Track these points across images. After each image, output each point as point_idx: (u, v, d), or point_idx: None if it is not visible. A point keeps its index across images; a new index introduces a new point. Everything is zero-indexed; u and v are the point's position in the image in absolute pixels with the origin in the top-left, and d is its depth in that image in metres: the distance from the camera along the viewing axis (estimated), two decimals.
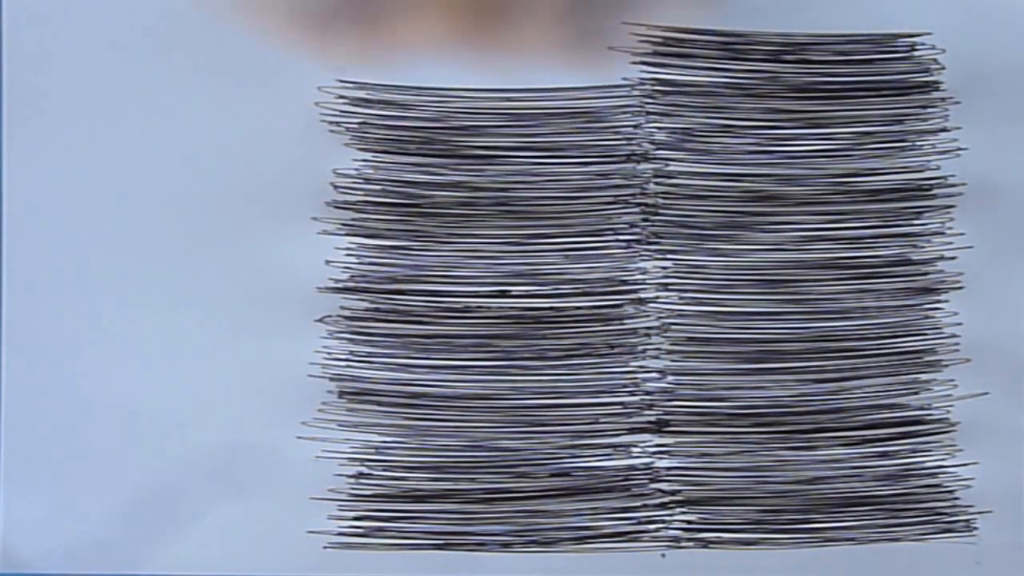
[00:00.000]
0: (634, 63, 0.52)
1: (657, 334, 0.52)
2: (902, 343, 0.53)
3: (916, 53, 0.54)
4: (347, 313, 0.52)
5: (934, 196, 0.53)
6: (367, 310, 0.52)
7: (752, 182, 0.53)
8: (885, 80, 0.54)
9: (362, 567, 0.51)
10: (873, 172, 0.53)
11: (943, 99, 0.53)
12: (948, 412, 0.52)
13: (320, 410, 0.52)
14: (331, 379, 0.52)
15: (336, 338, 0.52)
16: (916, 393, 0.52)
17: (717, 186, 0.53)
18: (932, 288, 0.53)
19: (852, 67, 0.54)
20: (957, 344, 0.52)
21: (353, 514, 0.52)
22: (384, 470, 0.52)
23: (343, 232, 0.52)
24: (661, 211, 0.53)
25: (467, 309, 0.52)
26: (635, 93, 0.53)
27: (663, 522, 0.52)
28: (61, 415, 0.52)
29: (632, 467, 0.52)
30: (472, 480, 0.52)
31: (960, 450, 0.52)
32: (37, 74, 0.52)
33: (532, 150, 0.53)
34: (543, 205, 0.53)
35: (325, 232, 0.52)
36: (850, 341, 0.53)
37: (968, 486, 0.52)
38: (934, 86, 0.53)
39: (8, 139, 0.52)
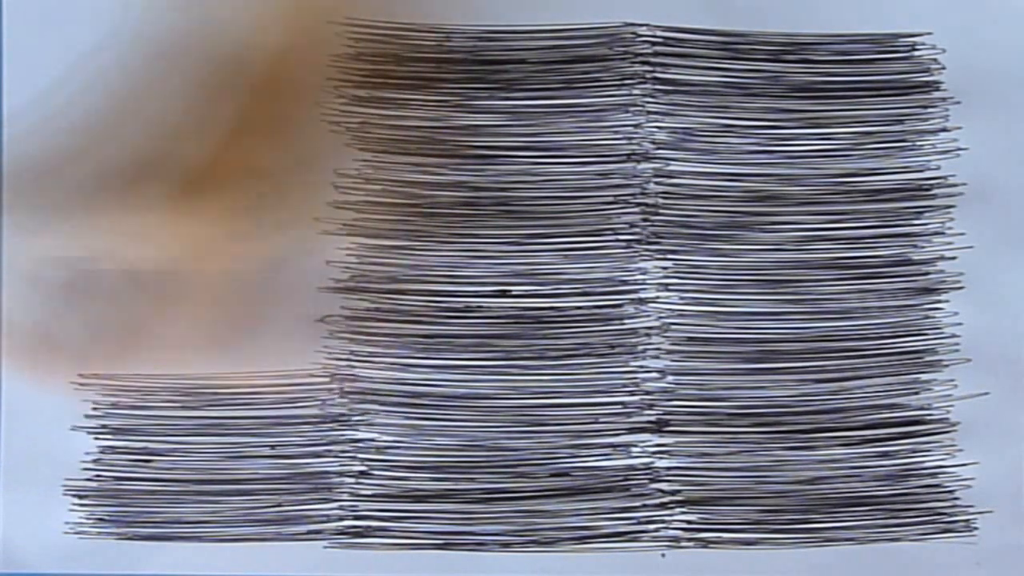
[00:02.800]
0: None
1: (657, 334, 0.52)
2: (902, 343, 0.53)
3: (916, 53, 0.54)
4: (348, 313, 0.52)
5: (934, 196, 0.53)
6: (368, 310, 0.52)
7: (752, 182, 0.53)
8: (885, 80, 0.54)
9: (362, 567, 0.51)
10: (873, 172, 0.53)
11: (943, 99, 0.53)
12: (948, 412, 0.52)
13: (320, 408, 0.52)
14: (332, 379, 0.52)
15: (337, 338, 0.52)
16: (916, 393, 0.52)
17: (717, 186, 0.53)
18: (932, 288, 0.53)
19: (852, 67, 0.54)
20: (957, 344, 0.52)
21: (353, 514, 0.52)
22: (385, 470, 0.52)
23: (343, 232, 0.52)
24: (661, 211, 0.53)
25: (468, 309, 0.53)
26: (636, 92, 0.53)
27: (663, 522, 0.52)
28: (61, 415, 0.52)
29: (632, 467, 0.52)
30: (472, 480, 0.52)
31: (960, 450, 0.52)
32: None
33: (532, 150, 0.53)
34: (543, 205, 0.53)
35: (326, 232, 0.52)
36: (850, 341, 0.53)
37: (968, 486, 0.52)
38: (934, 86, 0.53)
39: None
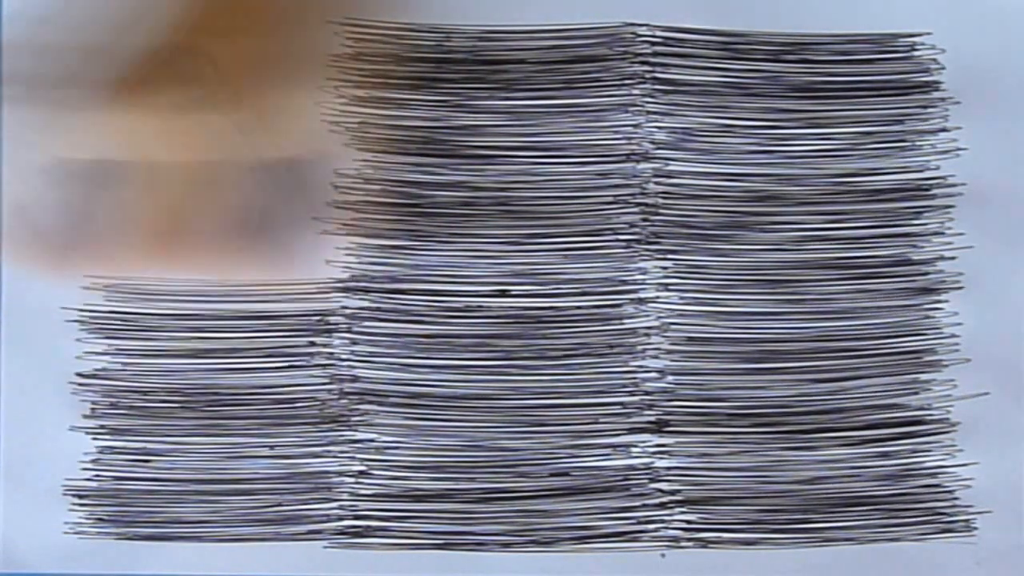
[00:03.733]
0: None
1: (657, 334, 0.52)
2: (902, 343, 0.53)
3: (916, 53, 0.54)
4: (348, 312, 0.52)
5: (934, 196, 0.53)
6: (368, 310, 0.52)
7: (752, 182, 0.53)
8: (885, 80, 0.54)
9: (362, 567, 0.51)
10: (873, 172, 0.53)
11: (943, 99, 0.53)
12: (948, 412, 0.52)
13: (320, 410, 0.52)
14: (332, 379, 0.52)
15: (337, 338, 0.52)
16: (916, 393, 0.52)
17: (717, 186, 0.53)
18: (932, 288, 0.53)
19: (852, 67, 0.54)
20: (957, 344, 0.52)
21: (353, 514, 0.52)
22: (385, 469, 0.52)
23: (343, 232, 0.52)
24: (661, 211, 0.53)
25: (468, 309, 0.53)
26: (636, 92, 0.53)
27: (663, 522, 0.52)
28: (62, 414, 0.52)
29: (632, 467, 0.52)
30: (472, 480, 0.52)
31: (960, 450, 0.52)
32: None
33: (532, 150, 0.53)
34: (543, 205, 0.53)
35: (326, 232, 0.52)
36: (850, 341, 0.53)
37: (968, 486, 0.52)
38: (934, 86, 0.53)
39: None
